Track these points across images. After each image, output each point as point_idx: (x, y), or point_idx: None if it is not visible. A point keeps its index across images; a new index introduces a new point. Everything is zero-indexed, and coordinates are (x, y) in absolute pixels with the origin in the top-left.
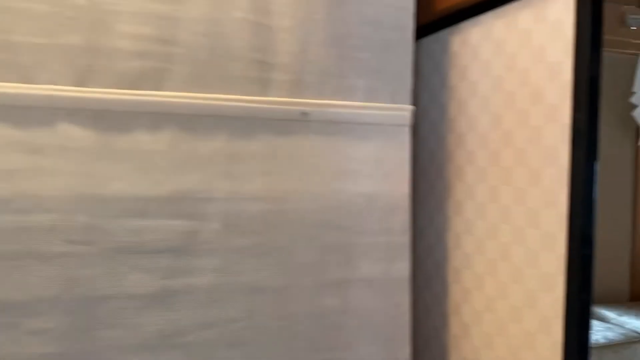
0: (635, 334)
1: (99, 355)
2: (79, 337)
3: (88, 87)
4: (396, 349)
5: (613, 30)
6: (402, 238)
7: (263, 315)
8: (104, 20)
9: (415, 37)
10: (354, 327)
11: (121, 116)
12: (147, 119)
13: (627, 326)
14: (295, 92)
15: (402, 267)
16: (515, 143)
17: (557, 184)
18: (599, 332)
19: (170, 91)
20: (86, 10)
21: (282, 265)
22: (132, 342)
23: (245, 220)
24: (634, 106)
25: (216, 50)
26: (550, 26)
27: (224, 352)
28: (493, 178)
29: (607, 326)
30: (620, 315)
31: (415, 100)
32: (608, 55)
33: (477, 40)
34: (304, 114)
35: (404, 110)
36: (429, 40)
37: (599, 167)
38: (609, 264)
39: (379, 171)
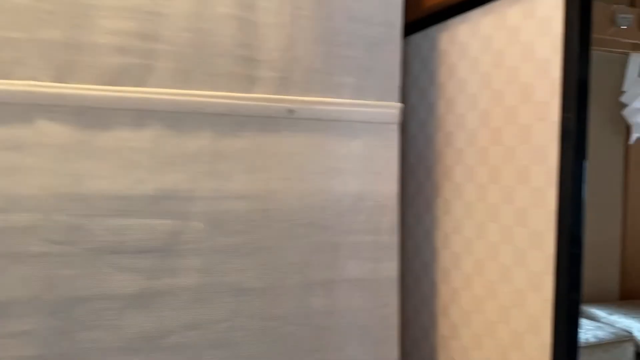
0: (625, 333)
1: (80, 358)
2: (58, 339)
3: (68, 83)
4: (384, 350)
5: (603, 29)
6: (390, 238)
7: (248, 316)
8: (85, 14)
9: (403, 34)
10: (342, 328)
11: (102, 113)
12: (130, 116)
13: (617, 325)
14: (282, 89)
15: (390, 267)
16: (503, 141)
17: (545, 182)
18: (589, 331)
19: (153, 88)
20: (66, 4)
21: (267, 265)
22: (114, 344)
23: (230, 219)
24: (624, 105)
25: (200, 46)
26: (538, 23)
27: (209, 354)
28: (481, 177)
29: (597, 325)
30: (611, 314)
31: (404, 99)
32: (598, 54)
33: (465, 37)
34: (290, 111)
35: (392, 108)
36: (417, 38)
37: (588, 166)
38: (599, 262)
39: (367, 170)
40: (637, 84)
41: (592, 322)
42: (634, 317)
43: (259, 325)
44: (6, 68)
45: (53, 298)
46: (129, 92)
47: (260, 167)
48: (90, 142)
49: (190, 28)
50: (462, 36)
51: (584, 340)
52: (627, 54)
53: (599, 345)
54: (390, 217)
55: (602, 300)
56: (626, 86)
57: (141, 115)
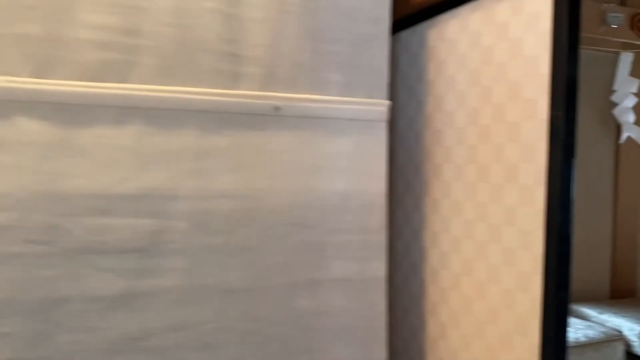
0: (615, 332)
1: None
2: (37, 342)
3: (47, 79)
4: (372, 351)
5: (594, 28)
6: (378, 237)
7: (233, 317)
8: (65, 9)
9: (392, 31)
10: (328, 329)
11: (83, 110)
12: (111, 112)
13: (607, 324)
14: (268, 85)
15: (378, 267)
16: (492, 139)
17: (534, 181)
18: (579, 330)
19: (135, 84)
20: None
21: (253, 265)
22: (95, 347)
23: (214, 218)
24: (614, 104)
25: (185, 42)
26: (527, 19)
27: (193, 356)
28: (470, 175)
29: (587, 324)
30: (601, 314)
31: (393, 96)
32: (589, 53)
33: (454, 34)
34: (277, 108)
35: (381, 105)
36: (406, 34)
37: (579, 165)
38: (589, 261)
39: (355, 168)
40: (628, 83)
41: (582, 321)
42: (624, 316)
43: (244, 326)
44: None
45: (32, 299)
46: (111, 88)
47: (246, 166)
48: (70, 140)
49: (173, 23)
50: (451, 32)
51: (575, 340)
52: (617, 53)
53: (590, 345)
54: (378, 216)
55: (593, 299)
56: (617, 85)
57: (123, 112)
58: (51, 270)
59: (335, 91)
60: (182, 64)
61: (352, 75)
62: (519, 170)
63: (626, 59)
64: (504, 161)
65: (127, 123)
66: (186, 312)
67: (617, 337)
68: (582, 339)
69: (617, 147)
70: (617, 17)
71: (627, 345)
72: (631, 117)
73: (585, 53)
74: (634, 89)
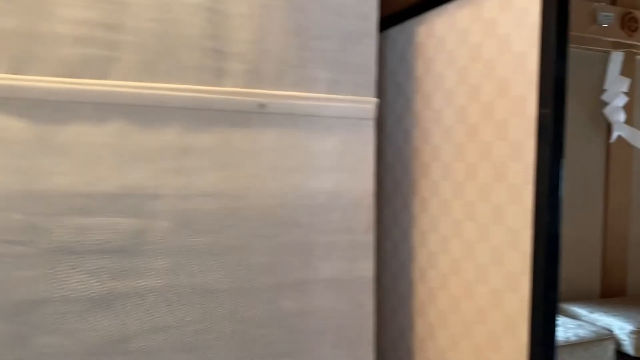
0: (606, 331)
1: None
2: (15, 344)
3: (25, 74)
4: (360, 353)
5: (584, 27)
6: (366, 236)
7: (217, 319)
8: (43, 2)
9: (380, 28)
10: (315, 331)
11: (62, 106)
12: (91, 109)
13: (598, 323)
14: (252, 82)
15: (366, 267)
16: (480, 137)
17: (522, 179)
18: (570, 330)
19: (116, 80)
20: None
21: (237, 265)
22: (74, 349)
23: (197, 218)
24: (605, 103)
25: (167, 37)
26: (515, 14)
27: (176, 358)
28: (458, 174)
29: (578, 323)
30: (592, 313)
31: (381, 94)
32: (579, 52)
33: (442, 31)
34: (262, 105)
35: (368, 103)
36: (394, 31)
37: (570, 164)
38: (580, 260)
39: (342, 166)
40: (618, 82)
41: (573, 320)
42: (614, 315)
43: (229, 328)
44: None
45: (9, 301)
46: (90, 84)
47: (230, 164)
48: (49, 137)
49: (155, 18)
50: (439, 29)
51: (565, 339)
52: (608, 52)
53: (580, 344)
54: (366, 216)
55: (583, 299)
56: (607, 84)
57: (103, 108)
58: (30, 271)
59: (321, 88)
60: (165, 60)
61: (339, 72)
62: (507, 168)
63: (617, 58)
64: (492, 159)
65: (108, 120)
66: (168, 313)
67: (608, 336)
68: (573, 338)
69: (608, 147)
70: (608, 16)
71: (618, 344)
72: (622, 116)
73: (576, 52)
74: (625, 88)
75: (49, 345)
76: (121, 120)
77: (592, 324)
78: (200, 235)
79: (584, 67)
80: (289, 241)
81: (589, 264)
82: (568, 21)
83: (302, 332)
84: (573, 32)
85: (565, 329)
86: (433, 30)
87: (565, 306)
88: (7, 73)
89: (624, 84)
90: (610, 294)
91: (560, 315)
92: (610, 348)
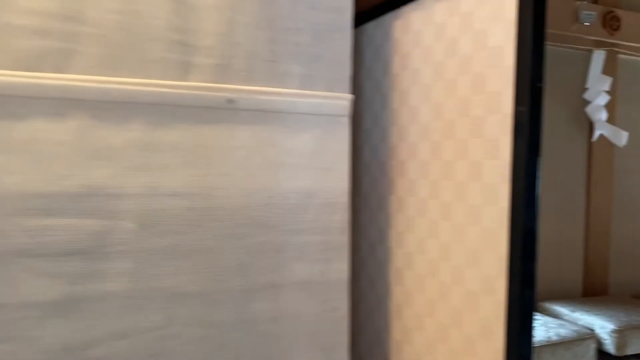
0: (587, 331)
1: None
2: None
3: None
4: (334, 357)
5: (566, 26)
6: (341, 237)
7: (185, 324)
8: None
9: (356, 23)
10: (288, 335)
11: (18, 102)
12: (49, 105)
13: (579, 322)
14: (221, 77)
15: (341, 269)
16: (456, 135)
17: (498, 178)
18: (551, 329)
19: (76, 74)
20: None
21: (206, 268)
22: (31, 357)
23: (164, 218)
24: (587, 102)
25: (131, 29)
26: (492, 8)
27: None
28: (434, 172)
29: (559, 323)
30: (573, 312)
31: (359, 91)
32: (561, 50)
33: (419, 25)
34: (230, 101)
35: (343, 99)
36: (370, 26)
37: (552, 162)
38: (562, 259)
39: (316, 165)
40: (600, 81)
41: (554, 319)
42: (596, 314)
43: (197, 332)
44: None
45: None
46: (48, 78)
47: (198, 162)
48: (4, 134)
49: (119, 9)
50: (416, 24)
51: (547, 339)
52: (590, 51)
53: (561, 343)
54: (341, 216)
55: (565, 297)
56: (589, 83)
57: (63, 104)
58: None
59: (294, 84)
60: (128, 54)
61: (313, 67)
62: (483, 167)
63: (599, 57)
64: (468, 158)
65: (68, 116)
66: (132, 318)
67: (589, 335)
68: (554, 338)
69: (590, 145)
70: (590, 15)
71: (599, 344)
72: (603, 115)
73: (558, 51)
74: (607, 87)
75: (4, 352)
76: (82, 116)
77: (574, 323)
78: (167, 236)
79: (566, 66)
80: (260, 242)
81: (571, 263)
82: (545, 16)
83: (274, 337)
84: (555, 31)
85: (547, 328)
86: (410, 25)
87: (547, 305)
88: None
89: (606, 83)
90: (592, 292)
91: (541, 314)
92: (592, 347)
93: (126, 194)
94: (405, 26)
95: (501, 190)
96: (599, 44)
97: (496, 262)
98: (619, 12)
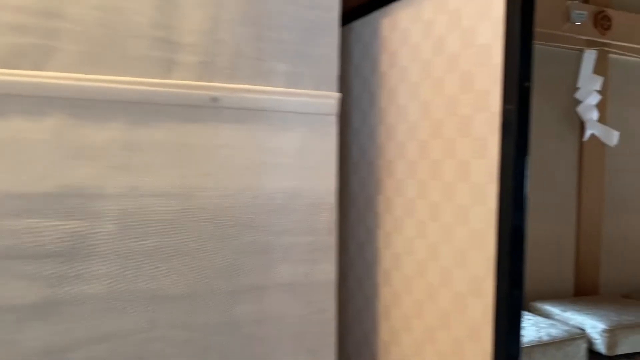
0: (578, 330)
1: None
2: None
3: None
4: (320, 359)
5: (558, 25)
6: (328, 238)
7: (168, 326)
8: None
9: (344, 20)
10: (273, 338)
11: None
12: (27, 103)
13: (571, 322)
14: (205, 75)
15: (328, 270)
16: (444, 133)
17: (486, 178)
18: (542, 329)
19: (55, 72)
20: None
21: (190, 269)
22: None
23: (145, 219)
24: (578, 102)
25: (112, 26)
26: (479, 5)
27: None
28: (422, 172)
29: (551, 322)
30: (565, 311)
31: (347, 90)
32: (553, 50)
33: (407, 23)
34: (214, 99)
35: (330, 98)
36: (358, 24)
37: (543, 162)
38: (553, 259)
39: (302, 165)
40: (591, 81)
41: (545, 319)
42: (587, 314)
43: (181, 335)
44: None
45: None
46: (26, 76)
47: (181, 161)
48: None
49: (100, 6)
50: (404, 22)
51: (538, 338)
52: (581, 51)
53: (552, 343)
54: (328, 216)
55: (556, 297)
56: (580, 83)
57: (41, 102)
58: None
59: (279, 82)
60: (110, 51)
61: (299, 65)
62: (470, 166)
63: (590, 56)
64: (456, 157)
65: (46, 115)
66: (114, 321)
67: (580, 335)
68: (545, 338)
69: (581, 145)
70: (581, 15)
71: (590, 343)
72: (595, 115)
73: (549, 50)
74: (598, 87)
75: None
76: (61, 114)
77: (565, 322)
78: (149, 237)
79: (557, 65)
80: (245, 243)
81: (562, 263)
82: (533, 14)
83: (259, 340)
84: (546, 30)
85: (538, 328)
86: (398, 23)
87: (538, 305)
88: None
89: (597, 82)
90: (584, 292)
91: (532, 314)
92: (583, 347)
93: (107, 194)
94: (393, 24)
95: (489, 190)
96: (590, 44)
97: (484, 262)
98: (610, 12)
